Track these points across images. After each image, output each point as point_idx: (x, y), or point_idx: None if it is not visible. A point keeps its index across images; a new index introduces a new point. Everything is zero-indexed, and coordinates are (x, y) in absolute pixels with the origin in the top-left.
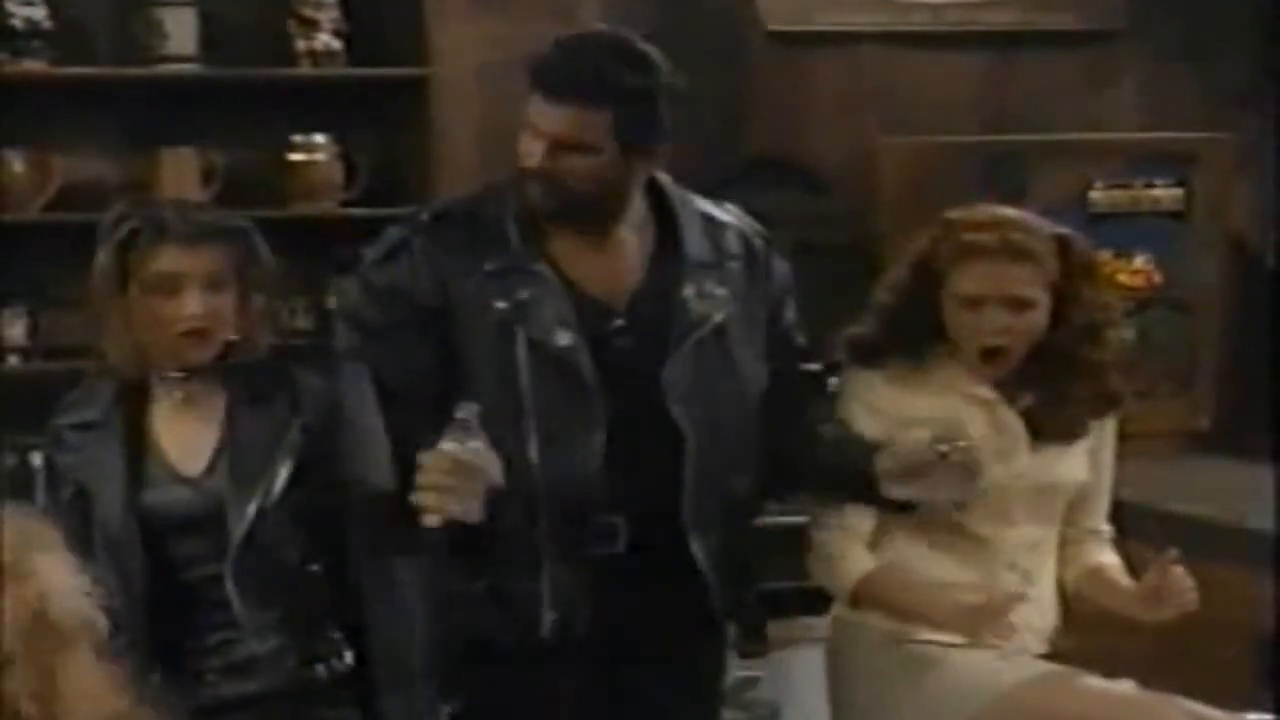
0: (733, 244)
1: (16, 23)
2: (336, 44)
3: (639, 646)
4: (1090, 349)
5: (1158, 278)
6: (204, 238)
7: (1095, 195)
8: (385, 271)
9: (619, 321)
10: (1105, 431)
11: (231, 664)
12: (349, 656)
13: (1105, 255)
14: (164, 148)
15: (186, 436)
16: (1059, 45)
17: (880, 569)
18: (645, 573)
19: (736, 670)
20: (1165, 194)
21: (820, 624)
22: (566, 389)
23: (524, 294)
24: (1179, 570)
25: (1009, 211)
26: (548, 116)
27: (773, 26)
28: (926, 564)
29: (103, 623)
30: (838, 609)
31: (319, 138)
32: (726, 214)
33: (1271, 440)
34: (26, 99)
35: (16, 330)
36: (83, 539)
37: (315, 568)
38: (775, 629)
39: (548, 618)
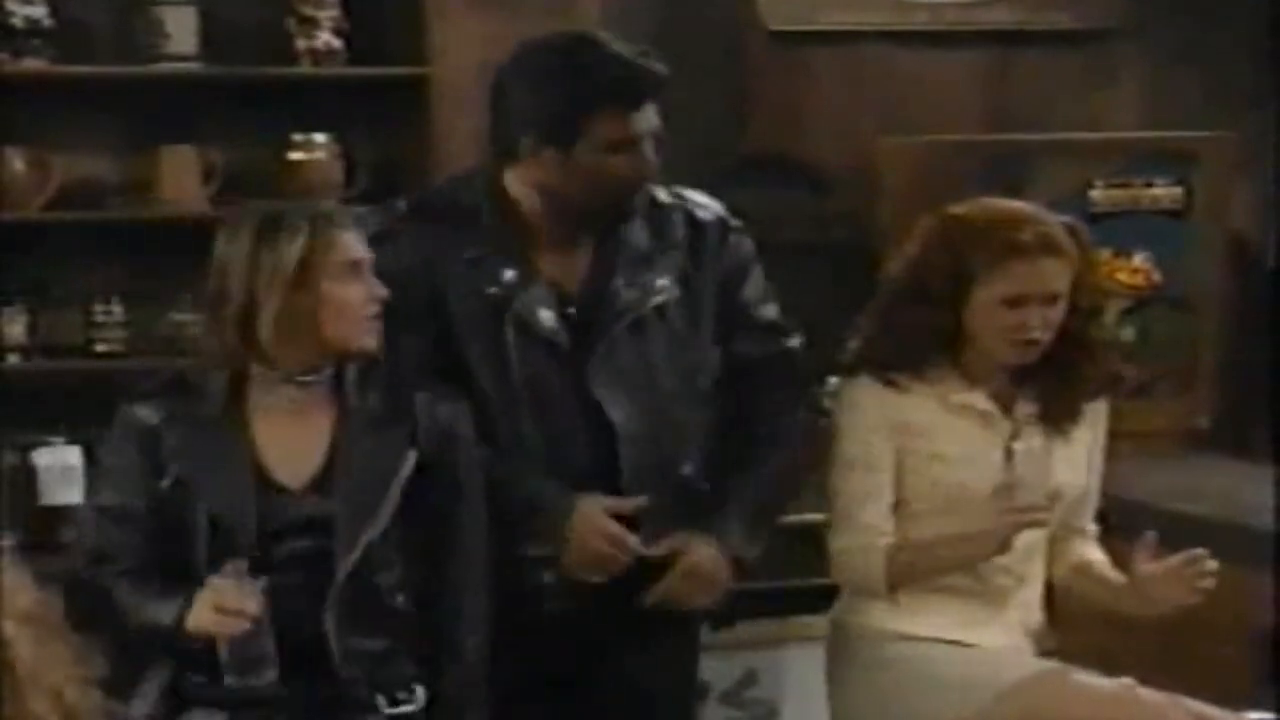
0: (677, 228)
1: (17, 21)
2: (336, 43)
3: (604, 627)
4: (1100, 329)
5: (1157, 277)
6: (358, 228)
7: (1095, 194)
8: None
9: (571, 310)
10: (1098, 431)
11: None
12: (421, 693)
13: (1105, 254)
14: (164, 146)
15: (288, 445)
16: (1059, 44)
17: (895, 547)
18: None
19: (734, 668)
20: (1165, 193)
21: (818, 622)
22: (548, 368)
23: (509, 276)
24: (1182, 560)
25: (1024, 206)
26: (649, 117)
27: (773, 26)
28: None
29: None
30: (836, 607)
31: (319, 136)
32: (673, 196)
33: (1271, 439)
34: (26, 98)
35: (16, 329)
36: (174, 529)
37: (401, 599)
38: (774, 628)
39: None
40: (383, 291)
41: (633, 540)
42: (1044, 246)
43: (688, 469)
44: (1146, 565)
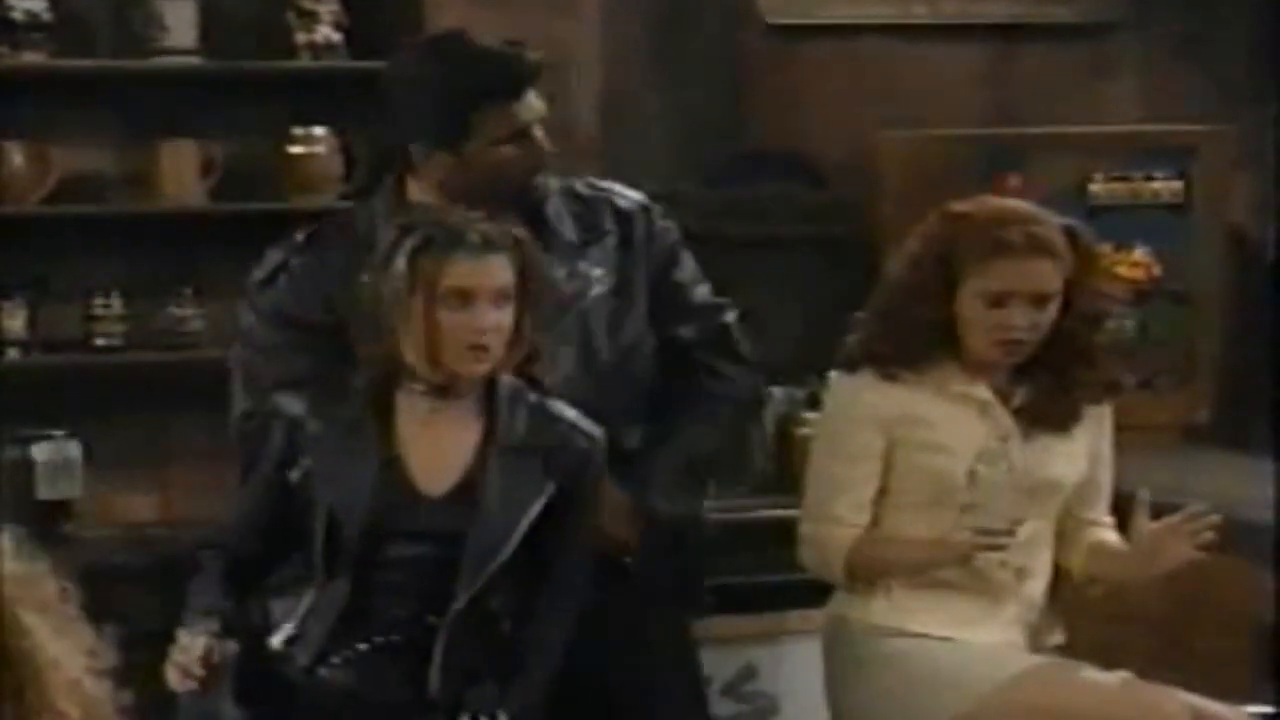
0: (605, 219)
1: (16, 15)
2: (336, 36)
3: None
4: (1092, 336)
5: (1157, 270)
6: (494, 249)
7: (1095, 188)
8: (267, 296)
9: None
10: (1104, 425)
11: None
12: (503, 717)
13: (1105, 248)
14: (163, 140)
15: (433, 454)
16: (1059, 37)
17: (860, 538)
18: None
19: (734, 662)
20: (1165, 186)
21: (818, 616)
22: None
23: None
24: (1183, 516)
25: (1022, 205)
26: (534, 105)
27: (771, 19)
28: None
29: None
30: (833, 603)
31: (319, 130)
32: (593, 189)
33: (1271, 433)
34: (26, 91)
35: (16, 322)
36: (298, 522)
37: (509, 626)
38: (774, 621)
39: None
40: (488, 324)
41: None
42: (1031, 246)
43: (630, 445)
44: (1145, 525)
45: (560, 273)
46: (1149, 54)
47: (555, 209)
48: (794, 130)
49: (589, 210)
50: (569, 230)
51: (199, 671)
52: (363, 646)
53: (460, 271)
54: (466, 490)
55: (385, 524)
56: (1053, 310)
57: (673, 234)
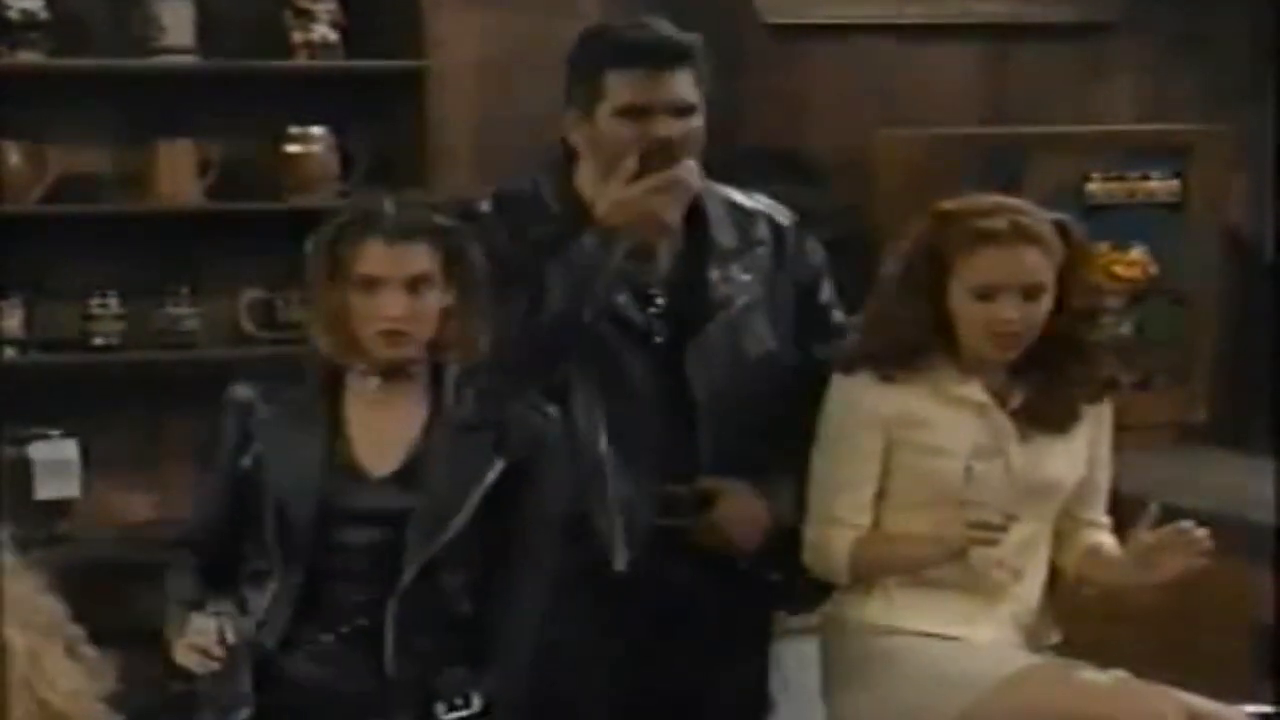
0: (760, 230)
1: (13, 14)
2: (333, 36)
3: (677, 617)
4: (1091, 331)
5: (1154, 269)
6: (410, 236)
7: (1092, 187)
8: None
9: (660, 301)
10: (1103, 425)
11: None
12: (478, 700)
13: (1102, 247)
14: (161, 139)
15: (379, 435)
16: (1056, 37)
17: (862, 537)
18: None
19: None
20: (1162, 186)
21: (815, 615)
22: (622, 346)
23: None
24: (1176, 530)
25: (1008, 198)
26: (668, 86)
27: (769, 19)
28: None
29: (74, 627)
30: (830, 602)
31: (316, 130)
32: (754, 201)
33: (1270, 432)
34: (23, 91)
35: (13, 322)
36: (250, 509)
37: (467, 605)
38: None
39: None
40: (395, 312)
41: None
42: (1016, 234)
43: (763, 454)
44: (1144, 535)
45: (714, 275)
46: (1146, 54)
47: (715, 213)
48: (792, 130)
49: (746, 219)
50: (726, 236)
51: (218, 652)
52: (326, 637)
53: (372, 257)
54: (412, 469)
55: (332, 507)
56: (1045, 303)
57: (821, 255)
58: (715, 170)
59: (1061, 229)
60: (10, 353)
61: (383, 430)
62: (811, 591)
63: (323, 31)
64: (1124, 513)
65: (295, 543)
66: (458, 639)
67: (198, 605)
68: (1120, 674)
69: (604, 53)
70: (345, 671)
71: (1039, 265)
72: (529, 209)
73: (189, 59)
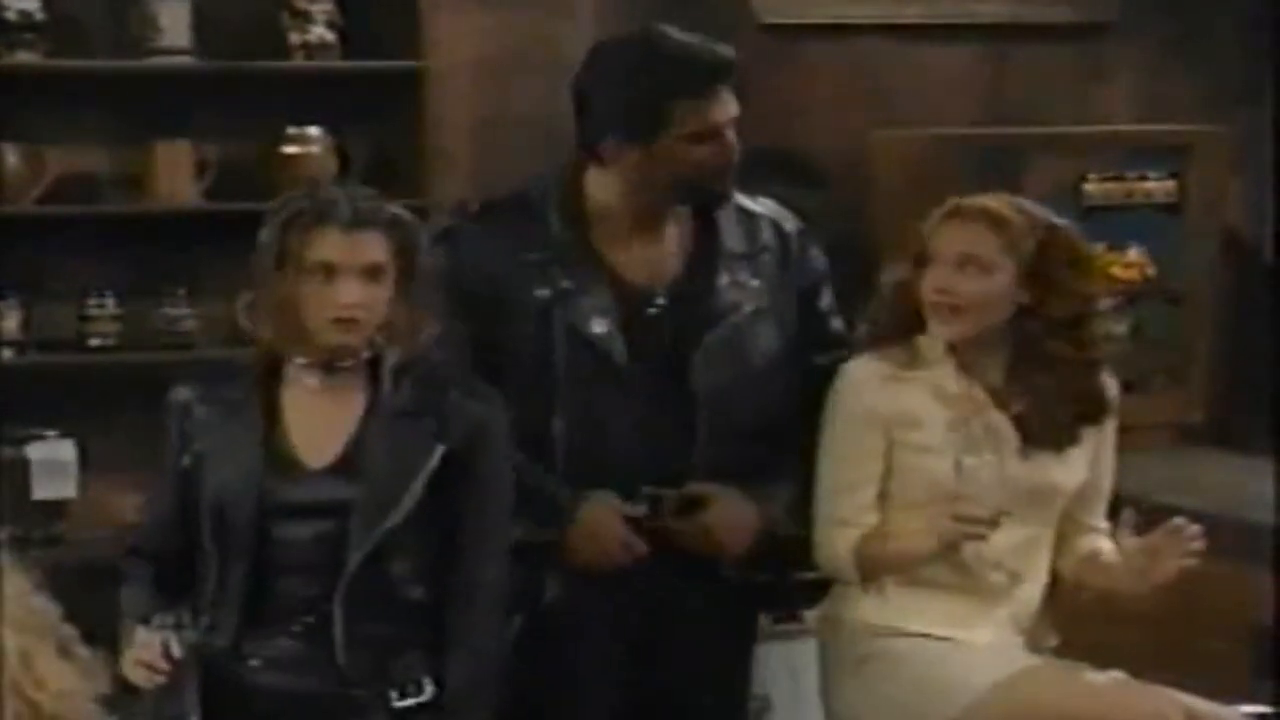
0: (766, 235)
1: (10, 15)
2: (330, 36)
3: (661, 616)
4: (1068, 344)
5: (1151, 270)
6: (364, 225)
7: (1089, 188)
8: (432, 258)
9: (660, 301)
10: (1105, 430)
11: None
12: (429, 686)
13: (1099, 248)
14: (158, 140)
15: (316, 428)
16: (1054, 38)
17: (865, 537)
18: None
19: None
20: (1159, 186)
21: (813, 616)
22: (599, 373)
23: (565, 283)
24: (1163, 533)
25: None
26: (728, 104)
27: (767, 19)
28: None
29: (68, 628)
30: (827, 602)
31: (313, 130)
32: (760, 206)
33: (1268, 432)
34: (20, 92)
35: (11, 323)
36: (190, 509)
37: (419, 592)
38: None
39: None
40: (352, 300)
41: (639, 544)
42: (968, 211)
43: (758, 460)
44: (1132, 540)
45: (723, 280)
46: (1143, 54)
47: (724, 217)
48: (789, 130)
49: (753, 225)
50: (734, 240)
51: (164, 665)
52: (280, 640)
53: (327, 245)
54: (350, 459)
55: (272, 502)
56: (993, 282)
57: (823, 262)
58: None
59: (1049, 228)
60: (8, 353)
61: (321, 422)
62: (795, 595)
63: (320, 32)
64: (1121, 513)
65: (234, 540)
66: (411, 626)
67: (147, 619)
68: (1119, 675)
69: (670, 80)
70: (302, 672)
71: (980, 239)
72: (526, 223)
73: (186, 60)
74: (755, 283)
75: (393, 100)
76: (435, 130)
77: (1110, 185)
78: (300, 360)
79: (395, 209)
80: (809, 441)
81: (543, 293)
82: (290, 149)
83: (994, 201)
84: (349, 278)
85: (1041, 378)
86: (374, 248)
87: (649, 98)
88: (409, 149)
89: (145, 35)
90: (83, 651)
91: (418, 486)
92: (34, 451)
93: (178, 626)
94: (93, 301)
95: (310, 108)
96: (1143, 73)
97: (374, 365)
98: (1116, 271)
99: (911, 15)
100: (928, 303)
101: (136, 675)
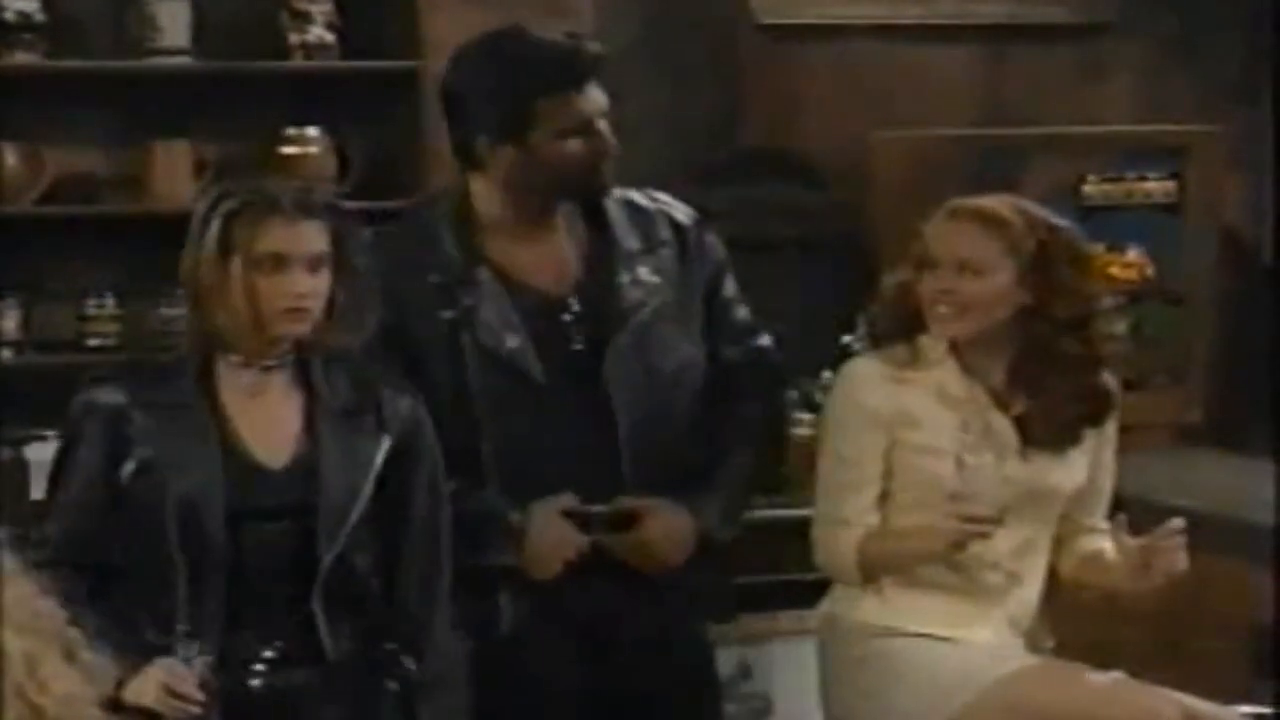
0: (662, 230)
1: (9, 16)
2: (329, 37)
3: (604, 625)
4: (1076, 343)
5: (1150, 271)
6: (308, 216)
7: (1088, 188)
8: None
9: (576, 308)
10: (1106, 431)
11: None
12: (410, 664)
13: (1098, 248)
14: (157, 141)
15: (263, 427)
16: (1052, 38)
17: (866, 537)
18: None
19: (729, 662)
20: (1158, 187)
21: (812, 616)
22: (515, 387)
23: (469, 301)
24: (1159, 534)
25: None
26: (595, 98)
27: (764, 20)
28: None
29: (73, 631)
30: (826, 602)
31: (312, 130)
32: (651, 201)
33: (1268, 433)
34: (19, 92)
35: (9, 323)
36: (142, 517)
37: (376, 583)
38: (768, 622)
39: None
40: (303, 289)
41: (581, 539)
42: (962, 211)
43: (683, 462)
44: (1129, 541)
45: (624, 279)
46: (1142, 55)
47: (616, 215)
48: (788, 131)
49: (647, 220)
50: (629, 237)
51: (199, 696)
52: (270, 644)
53: (276, 236)
54: (306, 459)
55: (239, 505)
56: (991, 283)
57: (721, 251)
58: (713, 171)
59: (1050, 229)
60: (7, 354)
61: (266, 420)
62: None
63: (319, 32)
64: (1122, 513)
65: (207, 547)
66: (379, 613)
67: (144, 644)
68: (1119, 674)
69: (531, 77)
70: (295, 672)
71: (975, 240)
72: (420, 244)
73: (185, 60)
74: (655, 279)
75: (392, 100)
76: (434, 130)
77: (1109, 186)
78: (233, 358)
79: (330, 198)
80: (730, 438)
81: (447, 314)
82: (289, 149)
83: (994, 203)
84: (298, 267)
85: (1049, 377)
86: (318, 238)
87: (514, 96)
88: (408, 149)
89: (144, 35)
90: (87, 655)
91: (373, 479)
92: (33, 452)
93: (201, 654)
94: (92, 302)
95: (309, 108)
96: (1141, 73)
97: (301, 365)
98: (1115, 272)
99: (910, 16)
100: (928, 304)
101: (159, 703)
